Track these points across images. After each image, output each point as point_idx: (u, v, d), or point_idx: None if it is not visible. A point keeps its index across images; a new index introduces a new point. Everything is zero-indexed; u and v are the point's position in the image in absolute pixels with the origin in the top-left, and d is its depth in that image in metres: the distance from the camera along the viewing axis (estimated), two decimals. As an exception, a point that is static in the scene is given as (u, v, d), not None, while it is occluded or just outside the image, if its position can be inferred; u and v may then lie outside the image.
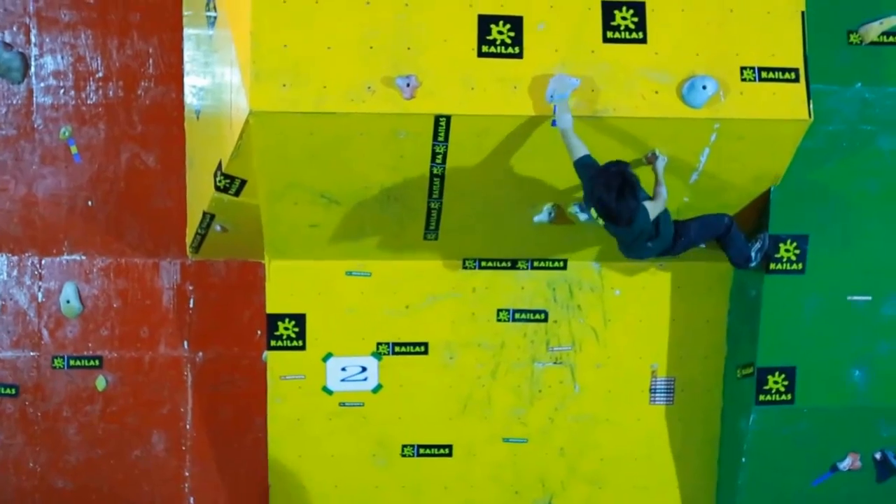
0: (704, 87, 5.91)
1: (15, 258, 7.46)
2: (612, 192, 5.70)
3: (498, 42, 5.90)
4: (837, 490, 7.04)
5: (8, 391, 7.45)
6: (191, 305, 7.54)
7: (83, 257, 7.49)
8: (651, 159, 6.10)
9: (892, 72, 6.49)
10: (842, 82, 6.47)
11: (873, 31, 6.48)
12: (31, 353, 7.47)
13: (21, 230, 7.47)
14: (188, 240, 7.38)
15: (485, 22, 5.90)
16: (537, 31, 5.92)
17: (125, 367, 7.50)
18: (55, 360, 7.47)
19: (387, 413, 7.05)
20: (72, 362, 7.47)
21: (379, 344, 6.94)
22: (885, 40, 6.52)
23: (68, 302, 7.45)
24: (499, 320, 6.99)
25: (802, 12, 6.06)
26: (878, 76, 6.48)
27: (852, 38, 6.52)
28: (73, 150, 7.48)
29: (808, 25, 6.06)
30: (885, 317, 6.74)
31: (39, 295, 7.48)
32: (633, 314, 7.05)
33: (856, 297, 6.73)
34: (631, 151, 6.08)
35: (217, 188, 6.45)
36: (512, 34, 5.91)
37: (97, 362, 7.49)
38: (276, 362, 6.92)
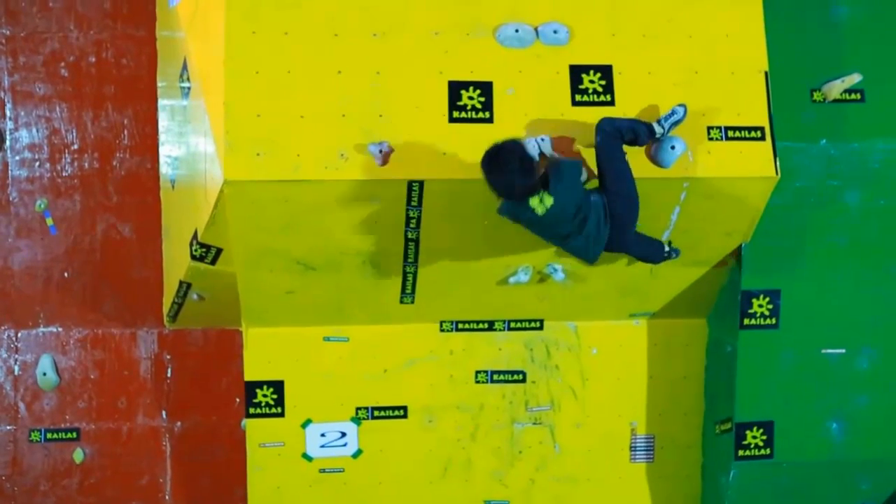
0: (673, 148, 5.98)
1: (-9, 332, 7.45)
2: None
3: (468, 107, 5.97)
4: (821, 545, 7.05)
5: (-16, 466, 7.39)
6: (168, 375, 7.50)
7: (59, 329, 7.46)
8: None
9: (856, 128, 6.60)
10: (807, 139, 6.57)
11: (836, 88, 6.60)
12: (8, 427, 7.40)
13: (-4, 303, 7.46)
14: (165, 309, 7.37)
15: (455, 88, 5.97)
16: (507, 95, 6.01)
17: (103, 439, 7.44)
18: (32, 434, 7.40)
19: (367, 478, 7.00)
20: (49, 435, 7.41)
21: (358, 409, 6.92)
22: (848, 98, 6.64)
23: (45, 374, 7.41)
24: (477, 382, 6.99)
25: (766, 72, 6.17)
26: (841, 133, 6.59)
27: (816, 95, 6.64)
28: (49, 221, 7.49)
29: (771, 84, 6.17)
30: (859, 369, 6.78)
31: (16, 368, 7.43)
32: (610, 372, 7.06)
33: (830, 351, 6.77)
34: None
35: (193, 257, 6.47)
36: (482, 99, 5.99)
37: (75, 434, 7.42)
38: (255, 430, 6.88)
